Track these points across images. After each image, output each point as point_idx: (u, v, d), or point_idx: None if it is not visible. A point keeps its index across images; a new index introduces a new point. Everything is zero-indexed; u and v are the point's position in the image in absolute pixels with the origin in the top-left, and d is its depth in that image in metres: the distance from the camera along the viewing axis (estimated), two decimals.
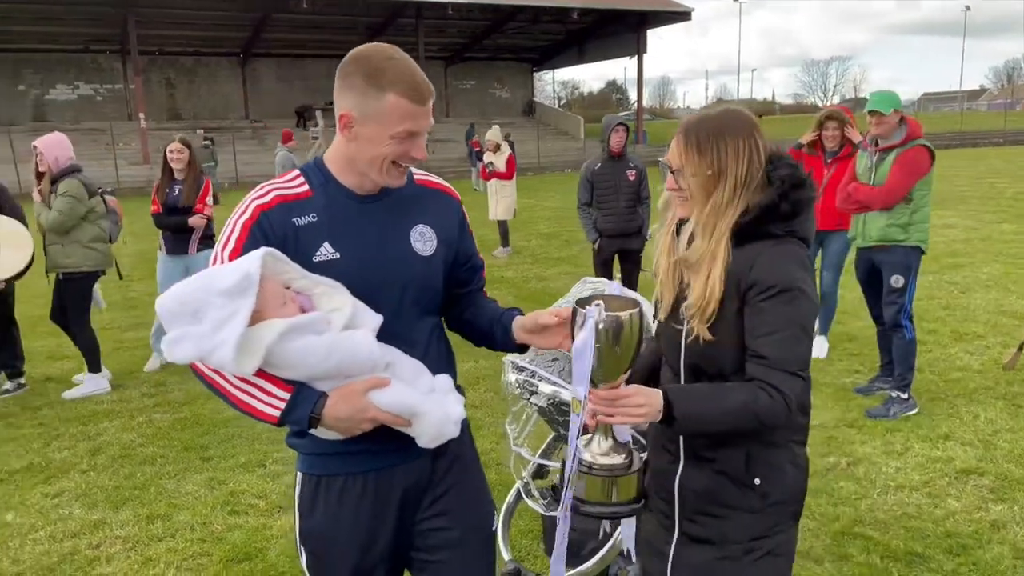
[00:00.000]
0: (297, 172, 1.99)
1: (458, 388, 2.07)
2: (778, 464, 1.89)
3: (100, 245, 6.21)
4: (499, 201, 12.74)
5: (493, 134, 13.16)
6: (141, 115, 32.51)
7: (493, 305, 2.18)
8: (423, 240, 2.00)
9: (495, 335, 2.10)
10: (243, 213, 1.87)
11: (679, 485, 1.95)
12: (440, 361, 2.08)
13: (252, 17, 36.81)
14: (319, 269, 1.85)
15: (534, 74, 53.12)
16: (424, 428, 1.85)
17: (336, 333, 1.77)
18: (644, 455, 1.93)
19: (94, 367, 6.33)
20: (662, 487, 1.99)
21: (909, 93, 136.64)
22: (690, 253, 1.85)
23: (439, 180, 2.18)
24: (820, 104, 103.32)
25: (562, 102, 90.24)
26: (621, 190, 7.13)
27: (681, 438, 1.93)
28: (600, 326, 1.64)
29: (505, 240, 12.88)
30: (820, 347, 6.57)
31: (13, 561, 3.73)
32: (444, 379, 1.97)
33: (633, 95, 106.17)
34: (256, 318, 1.70)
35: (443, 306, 2.16)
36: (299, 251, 1.85)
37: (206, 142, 28.42)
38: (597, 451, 1.81)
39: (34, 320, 8.60)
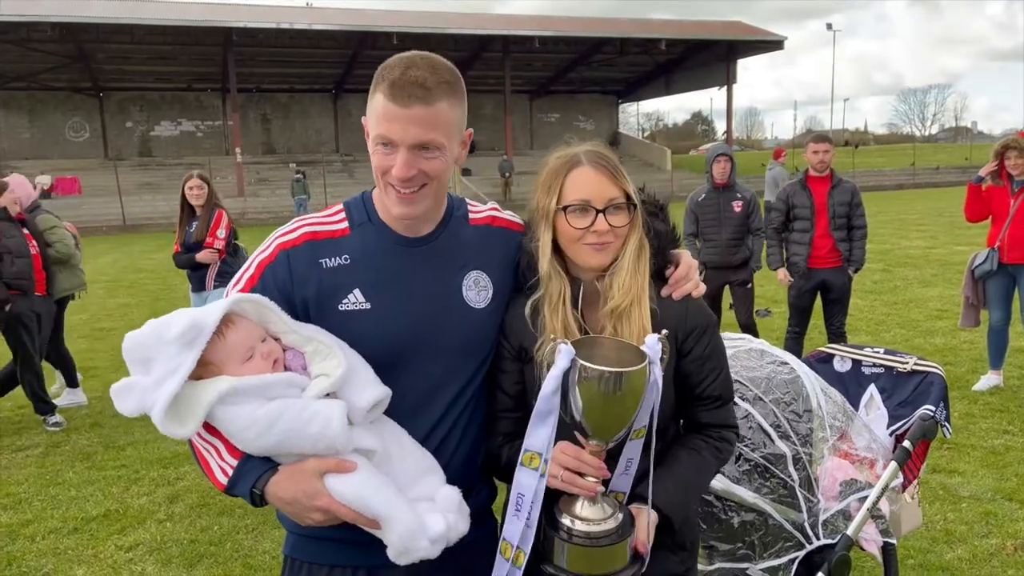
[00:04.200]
0: (340, 207, 1.73)
1: (483, 502, 1.77)
2: None
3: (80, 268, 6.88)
4: None
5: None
6: (238, 150, 33.72)
7: None
8: (477, 289, 1.69)
9: None
10: (263, 250, 1.67)
11: None
12: (474, 460, 1.73)
13: (343, 54, 37.86)
14: (345, 320, 1.60)
15: (619, 106, 52.80)
16: (391, 536, 1.48)
17: (296, 400, 1.50)
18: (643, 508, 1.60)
19: (74, 381, 6.90)
20: None
21: (1013, 121, 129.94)
22: (620, 296, 1.62)
23: (509, 216, 1.84)
24: (918, 133, 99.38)
25: (646, 134, 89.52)
26: (725, 222, 6.82)
27: None
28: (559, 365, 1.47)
29: None
30: (994, 380, 6.33)
31: None
32: (452, 493, 1.59)
33: (718, 126, 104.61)
34: (212, 372, 1.51)
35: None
36: (323, 298, 1.62)
37: (298, 175, 29.18)
38: (580, 513, 1.54)
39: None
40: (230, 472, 1.52)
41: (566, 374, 1.47)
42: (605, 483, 1.60)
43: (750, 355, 2.36)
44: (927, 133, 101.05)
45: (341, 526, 1.52)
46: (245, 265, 1.67)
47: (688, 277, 1.73)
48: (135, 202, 30.78)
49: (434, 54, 1.57)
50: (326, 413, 1.47)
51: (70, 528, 4.43)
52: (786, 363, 2.33)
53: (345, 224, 1.67)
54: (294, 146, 42.50)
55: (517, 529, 1.54)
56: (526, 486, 1.53)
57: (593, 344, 1.55)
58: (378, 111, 1.51)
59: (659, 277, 1.71)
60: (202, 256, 6.15)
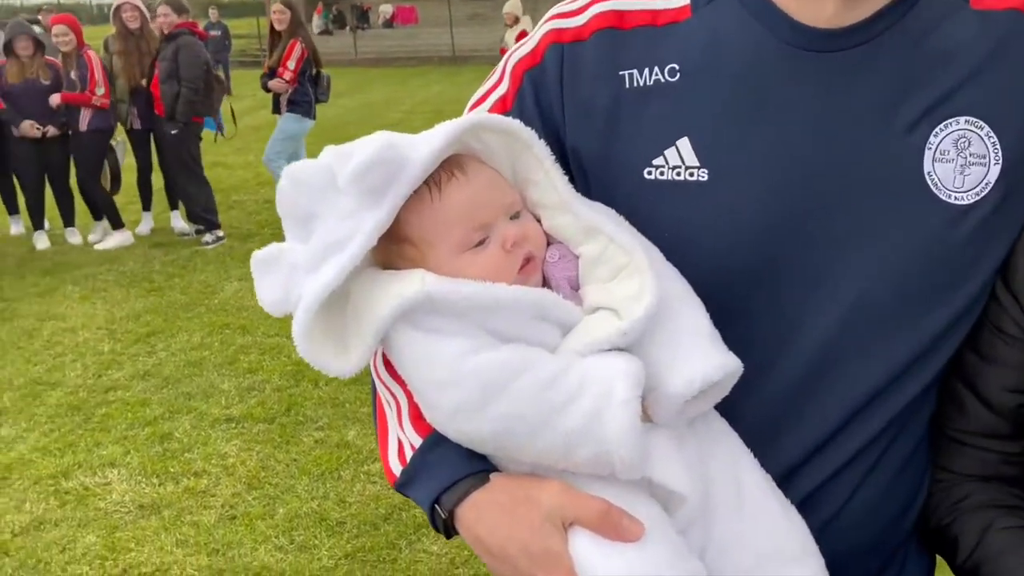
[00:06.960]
0: None
1: None
2: None
3: None
4: None
5: (511, 6, 10.67)
6: None
7: None
8: (961, 159, 0.77)
9: None
10: (522, 46, 0.91)
11: None
12: (897, 521, 0.88)
13: None
14: (657, 201, 0.81)
15: None
16: None
17: (547, 354, 0.75)
18: None
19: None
20: None
21: None
22: None
23: None
24: None
25: None
26: None
27: None
28: None
29: None
30: None
31: (339, 501, 3.19)
32: None
33: None
34: (410, 259, 0.80)
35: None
36: (616, 150, 0.83)
37: None
38: None
39: None
40: (409, 456, 0.86)
41: None
42: None
43: None
44: None
45: None
46: (497, 68, 0.95)
47: None
48: (464, 33, 31.74)
49: None
50: (601, 390, 0.73)
51: (351, 378, 4.24)
52: None
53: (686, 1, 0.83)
54: None
55: None
56: None
57: None
58: None
59: None
60: (272, 84, 6.51)
